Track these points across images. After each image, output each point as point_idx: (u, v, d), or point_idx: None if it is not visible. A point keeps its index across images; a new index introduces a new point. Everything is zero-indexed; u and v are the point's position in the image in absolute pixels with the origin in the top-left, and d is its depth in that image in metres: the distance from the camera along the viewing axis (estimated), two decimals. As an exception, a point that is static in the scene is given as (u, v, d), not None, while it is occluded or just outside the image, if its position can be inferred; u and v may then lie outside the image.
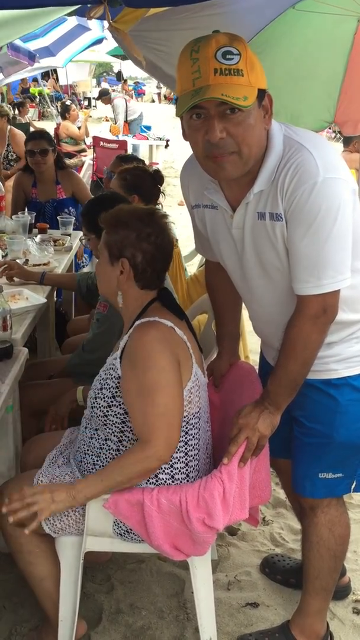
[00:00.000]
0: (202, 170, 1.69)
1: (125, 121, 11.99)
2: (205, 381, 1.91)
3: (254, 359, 3.32)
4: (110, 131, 10.67)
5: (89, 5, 2.48)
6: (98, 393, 1.84)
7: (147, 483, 1.80)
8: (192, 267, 4.45)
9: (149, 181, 3.10)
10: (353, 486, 1.93)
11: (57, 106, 14.66)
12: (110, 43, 9.49)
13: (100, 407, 1.83)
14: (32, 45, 7.08)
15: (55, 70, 17.59)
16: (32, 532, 1.84)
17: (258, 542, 2.63)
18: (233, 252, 1.81)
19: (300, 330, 1.67)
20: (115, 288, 1.84)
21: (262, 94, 1.54)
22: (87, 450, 1.88)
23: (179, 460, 1.81)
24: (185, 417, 1.78)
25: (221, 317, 2.17)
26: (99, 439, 1.85)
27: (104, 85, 31.47)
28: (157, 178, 3.15)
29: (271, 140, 1.61)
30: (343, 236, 1.58)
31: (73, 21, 7.36)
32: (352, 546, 2.58)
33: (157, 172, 3.18)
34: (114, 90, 16.18)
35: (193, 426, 1.82)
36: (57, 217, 4.04)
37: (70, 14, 3.59)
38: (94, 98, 24.76)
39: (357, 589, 2.39)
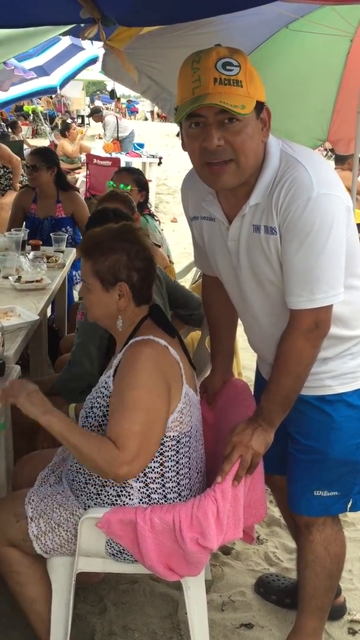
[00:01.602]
0: (200, 181, 1.71)
1: (117, 139, 12.05)
2: (197, 399, 1.89)
3: (247, 376, 3.31)
4: (103, 149, 10.72)
5: (82, 25, 2.50)
6: (89, 412, 1.83)
7: (139, 502, 1.78)
8: (185, 283, 4.44)
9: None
10: (349, 505, 1.91)
11: (56, 124, 14.72)
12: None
13: (91, 426, 1.81)
14: (27, 65, 7.13)
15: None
16: (23, 553, 1.82)
17: (252, 562, 2.60)
18: (229, 264, 1.82)
19: (293, 344, 1.66)
20: (115, 313, 1.82)
21: (260, 106, 1.56)
22: (79, 468, 1.86)
23: (170, 479, 1.79)
24: (176, 436, 1.77)
25: (216, 333, 2.16)
26: None
27: (98, 103, 31.72)
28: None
29: (268, 153, 1.62)
30: (336, 252, 1.59)
31: (67, 41, 7.44)
32: (347, 565, 2.55)
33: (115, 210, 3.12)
34: (107, 108, 16.29)
35: (184, 445, 1.81)
36: (51, 234, 4.04)
37: (64, 34, 3.62)
38: (87, 116, 24.96)
39: (352, 609, 2.36)
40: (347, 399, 1.81)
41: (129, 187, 3.56)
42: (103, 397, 1.79)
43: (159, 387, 1.70)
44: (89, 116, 15.90)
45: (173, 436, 1.76)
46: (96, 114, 13.20)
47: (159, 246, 3.31)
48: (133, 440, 1.65)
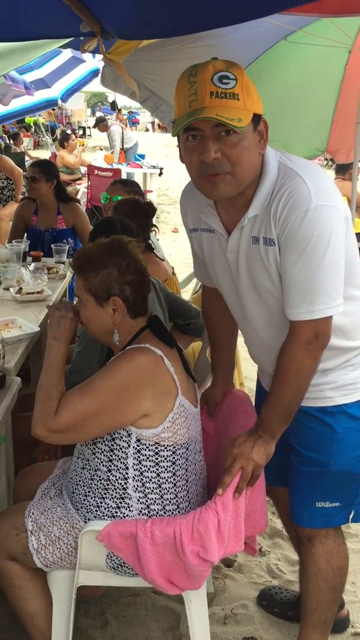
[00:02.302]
0: (199, 193, 1.72)
1: (122, 149, 12.10)
2: (196, 411, 1.89)
3: (249, 386, 3.30)
4: (104, 160, 10.76)
5: (82, 38, 2.51)
6: None
7: (139, 514, 1.77)
8: (187, 293, 4.45)
9: (140, 213, 3.10)
10: (351, 516, 1.90)
11: (57, 135, 14.79)
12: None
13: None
14: (28, 77, 7.18)
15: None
16: (24, 566, 1.82)
17: (255, 574, 2.58)
18: (228, 275, 1.82)
19: (293, 356, 1.66)
20: (111, 327, 1.83)
21: (257, 118, 1.57)
22: (79, 481, 1.85)
23: (168, 490, 1.79)
24: (170, 446, 1.77)
25: (217, 344, 2.16)
26: (90, 469, 1.83)
27: (99, 114, 31.86)
28: (148, 210, 3.15)
29: (266, 165, 1.63)
30: (335, 263, 1.59)
31: (68, 53, 7.49)
32: (350, 577, 2.53)
33: (149, 204, 3.18)
34: (109, 119, 16.37)
35: (180, 456, 1.80)
36: (52, 246, 4.05)
37: (64, 47, 3.64)
38: (88, 127, 25.07)
39: (356, 622, 2.34)
40: (348, 410, 1.80)
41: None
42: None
43: (130, 392, 1.70)
44: (94, 126, 15.94)
45: (168, 446, 1.76)
46: (101, 123, 13.26)
47: (162, 260, 3.30)
48: (69, 415, 1.70)
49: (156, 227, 3.28)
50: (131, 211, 3.04)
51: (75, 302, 2.00)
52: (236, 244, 1.72)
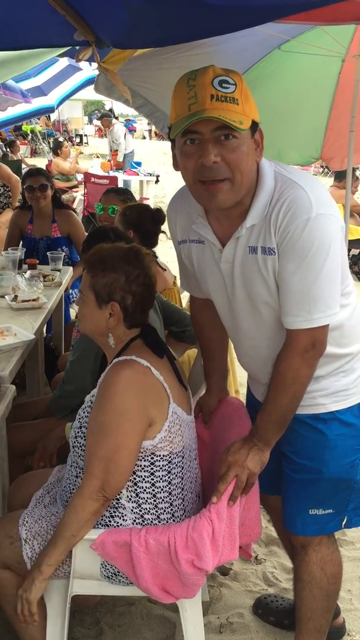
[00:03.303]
0: (189, 204, 1.71)
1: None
2: (190, 419, 1.88)
3: (244, 393, 3.30)
4: (101, 167, 10.79)
5: (77, 47, 2.53)
6: (78, 432, 1.82)
7: (133, 523, 1.77)
8: (183, 300, 4.45)
9: (149, 219, 3.11)
10: (344, 522, 1.90)
11: (49, 142, 14.83)
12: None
13: (80, 446, 1.81)
14: (24, 85, 7.21)
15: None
16: (18, 575, 1.81)
17: (250, 582, 2.58)
18: (221, 286, 1.81)
19: (290, 364, 1.66)
20: (105, 329, 1.83)
21: (254, 126, 1.57)
22: (73, 489, 1.84)
23: (162, 499, 1.78)
24: (166, 455, 1.76)
25: (208, 353, 2.15)
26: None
27: (96, 122, 31.95)
28: (157, 217, 3.15)
29: (262, 175, 1.63)
30: (333, 271, 1.60)
31: (64, 61, 7.52)
32: (347, 585, 2.53)
33: (159, 210, 3.18)
34: (105, 128, 16.42)
35: (176, 465, 1.80)
36: (47, 253, 4.05)
37: (61, 55, 3.66)
38: (85, 135, 25.15)
39: (352, 630, 2.33)
40: (340, 416, 1.80)
41: (117, 208, 3.56)
42: (88, 416, 1.78)
43: (132, 409, 1.68)
44: (99, 118, 15.88)
45: (164, 455, 1.75)
46: (106, 117, 13.23)
47: (164, 269, 3.29)
48: (97, 465, 1.67)
49: (165, 232, 3.29)
50: (140, 217, 3.05)
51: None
52: (231, 254, 1.71)
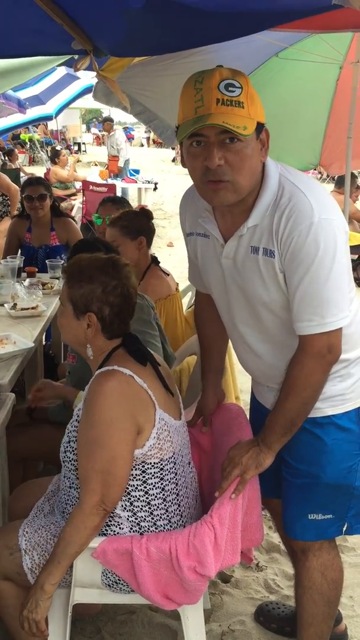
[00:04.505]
0: (199, 200, 1.74)
1: (117, 156, 12.11)
2: (180, 423, 1.86)
3: (245, 399, 3.29)
4: (99, 175, 10.82)
5: (75, 57, 2.54)
6: (67, 447, 1.81)
7: (130, 531, 1.76)
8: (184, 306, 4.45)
9: (144, 220, 3.13)
10: (344, 529, 1.89)
11: (47, 151, 14.89)
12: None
13: (70, 461, 1.80)
14: (22, 94, 7.24)
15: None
16: (18, 586, 1.80)
17: (252, 589, 2.57)
18: (220, 281, 1.83)
19: (303, 368, 1.67)
20: (83, 340, 1.83)
21: (260, 127, 1.59)
22: (68, 499, 1.84)
23: (157, 506, 1.78)
24: (157, 463, 1.75)
25: (208, 350, 2.15)
26: (77, 487, 1.81)
27: (94, 130, 32.08)
28: (148, 214, 3.16)
29: (267, 175, 1.65)
30: (342, 274, 1.61)
31: (62, 70, 7.57)
32: (348, 591, 2.52)
33: (144, 209, 3.20)
34: (103, 136, 16.50)
35: (168, 471, 1.79)
36: (46, 261, 4.05)
37: (59, 65, 3.68)
38: (83, 143, 25.22)
39: (354, 637, 2.32)
40: (337, 421, 1.81)
41: None
42: (77, 430, 1.77)
43: (120, 419, 1.67)
44: (101, 122, 16.01)
45: (154, 463, 1.75)
46: (108, 121, 13.34)
47: (167, 274, 3.28)
48: (95, 479, 1.66)
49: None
50: (141, 222, 3.06)
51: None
52: (232, 251, 1.73)
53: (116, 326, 1.82)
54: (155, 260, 3.18)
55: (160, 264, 3.23)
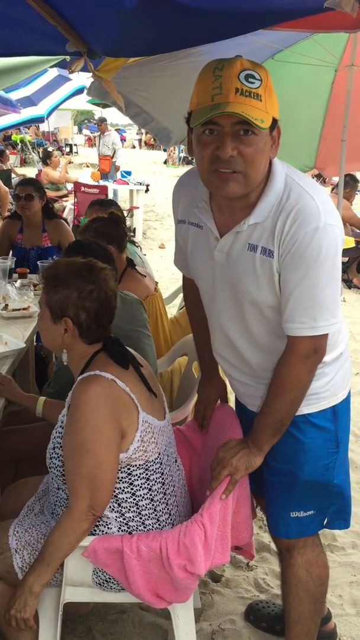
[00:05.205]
0: (196, 188, 1.72)
1: (112, 157, 12.11)
2: (163, 424, 1.86)
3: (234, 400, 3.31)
4: (91, 177, 10.81)
5: (67, 59, 2.55)
6: (52, 453, 1.81)
7: (119, 531, 1.77)
8: (173, 309, 4.47)
9: (112, 226, 3.04)
10: (325, 522, 1.91)
11: (38, 152, 14.87)
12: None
13: (56, 467, 1.80)
14: (14, 95, 7.24)
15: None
16: (9, 585, 1.80)
17: (242, 589, 2.58)
18: (209, 273, 1.81)
19: (291, 370, 1.68)
20: (61, 345, 1.82)
21: (274, 123, 1.57)
22: (57, 501, 1.85)
23: (145, 507, 1.79)
24: (142, 464, 1.76)
25: (201, 332, 2.08)
26: (65, 489, 1.81)
27: (86, 132, 32.07)
28: (117, 219, 3.04)
29: (274, 174, 1.63)
30: (336, 281, 1.63)
31: (54, 72, 7.58)
32: (337, 590, 2.54)
33: (112, 213, 3.12)
34: (94, 137, 16.52)
35: (154, 472, 1.80)
36: (38, 262, 4.05)
37: (51, 66, 3.69)
38: (75, 144, 25.19)
39: (343, 635, 2.34)
40: (312, 420, 1.82)
41: None
42: (61, 436, 1.78)
43: (105, 424, 1.68)
44: (97, 123, 16.06)
45: (140, 465, 1.75)
46: (103, 122, 13.40)
47: (144, 276, 3.27)
48: (82, 485, 1.67)
49: (129, 230, 3.19)
50: (97, 230, 2.95)
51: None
52: (227, 245, 1.71)
53: (94, 331, 1.80)
54: (131, 263, 3.14)
55: (136, 267, 3.20)
